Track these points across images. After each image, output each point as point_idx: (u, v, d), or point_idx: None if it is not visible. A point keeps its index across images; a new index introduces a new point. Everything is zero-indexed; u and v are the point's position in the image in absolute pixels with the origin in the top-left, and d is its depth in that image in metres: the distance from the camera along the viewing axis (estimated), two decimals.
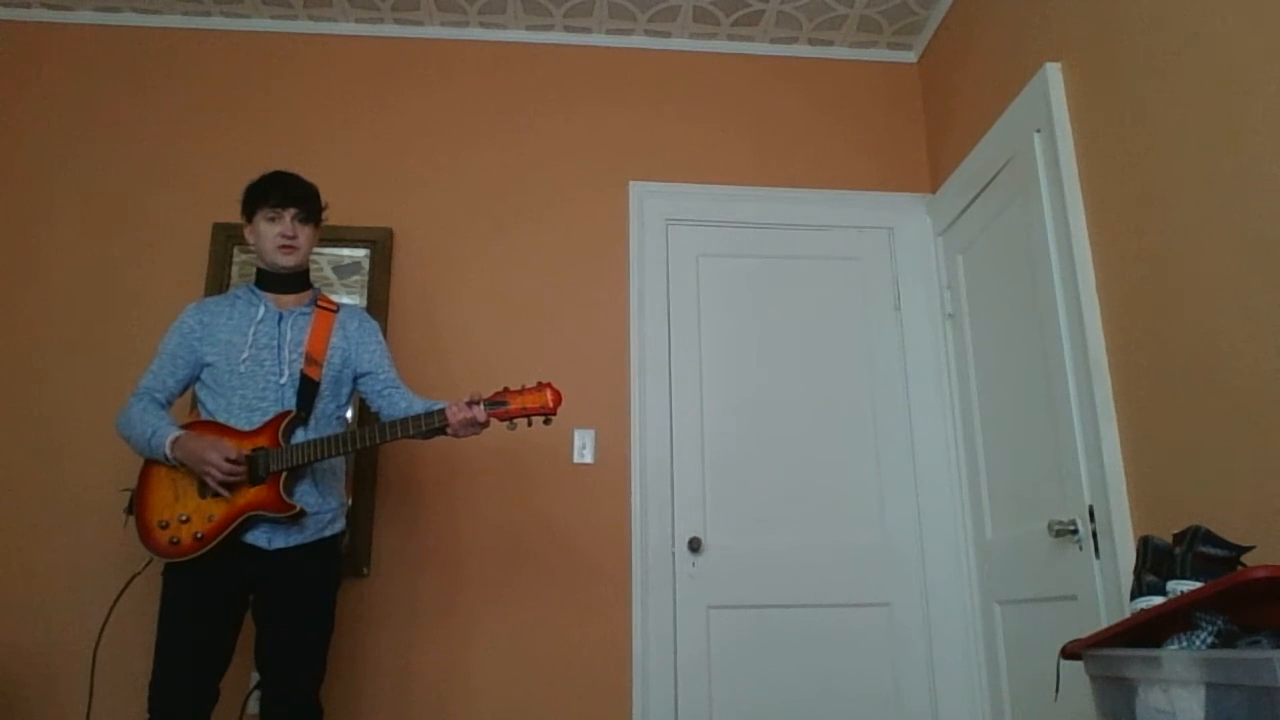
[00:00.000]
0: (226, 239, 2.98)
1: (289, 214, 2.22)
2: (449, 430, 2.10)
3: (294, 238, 2.22)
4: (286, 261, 2.23)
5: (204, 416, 2.16)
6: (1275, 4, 1.73)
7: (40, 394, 2.86)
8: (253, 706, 2.46)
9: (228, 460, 2.01)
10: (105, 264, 2.99)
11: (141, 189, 3.08)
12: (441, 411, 2.09)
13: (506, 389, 2.13)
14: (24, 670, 2.64)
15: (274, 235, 2.21)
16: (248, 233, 2.26)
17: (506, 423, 2.11)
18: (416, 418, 2.09)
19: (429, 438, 2.16)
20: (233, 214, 2.85)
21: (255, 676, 2.15)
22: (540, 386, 2.12)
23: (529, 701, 2.75)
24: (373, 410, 2.33)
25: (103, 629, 2.37)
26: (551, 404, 2.11)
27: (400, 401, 2.28)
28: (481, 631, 2.79)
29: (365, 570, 2.77)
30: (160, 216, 3.05)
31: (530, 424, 2.16)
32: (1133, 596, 1.66)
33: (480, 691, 2.74)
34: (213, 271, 2.96)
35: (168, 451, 2.06)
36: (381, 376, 2.30)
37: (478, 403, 2.09)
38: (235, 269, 2.98)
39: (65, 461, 2.80)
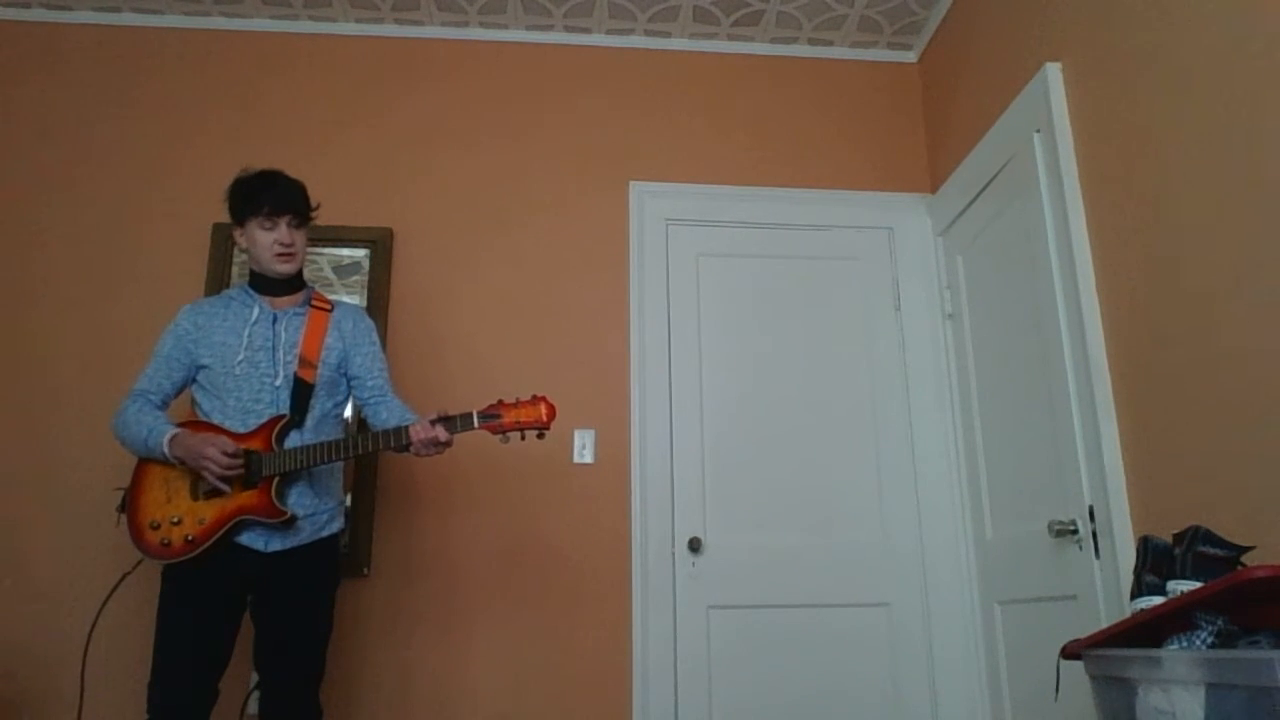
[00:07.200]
0: (226, 239, 2.97)
1: (284, 221, 2.19)
2: (411, 449, 2.09)
3: (291, 245, 2.20)
4: (286, 269, 2.22)
5: (200, 418, 2.16)
6: (1276, 4, 1.73)
7: (38, 392, 2.86)
8: (252, 707, 2.46)
9: (225, 454, 2.01)
10: (105, 264, 2.99)
11: (141, 189, 3.08)
12: (406, 429, 2.08)
13: (501, 401, 2.13)
14: (19, 668, 2.64)
15: (271, 244, 2.19)
16: (238, 235, 2.24)
17: (499, 435, 2.12)
18: (385, 433, 2.09)
19: (400, 453, 2.15)
20: None
21: (255, 677, 2.15)
22: (535, 400, 2.13)
23: (529, 700, 2.75)
24: (362, 417, 2.32)
25: (92, 628, 2.36)
26: (545, 418, 2.12)
27: (382, 412, 2.26)
28: (482, 630, 2.79)
29: (365, 570, 2.77)
30: (160, 216, 3.05)
31: (524, 437, 2.16)
32: (1133, 596, 1.66)
33: (480, 690, 2.74)
34: (213, 271, 2.96)
35: (166, 449, 2.06)
36: (369, 384, 2.28)
37: (440, 420, 2.08)
38: (235, 269, 2.98)
39: (64, 460, 2.81)
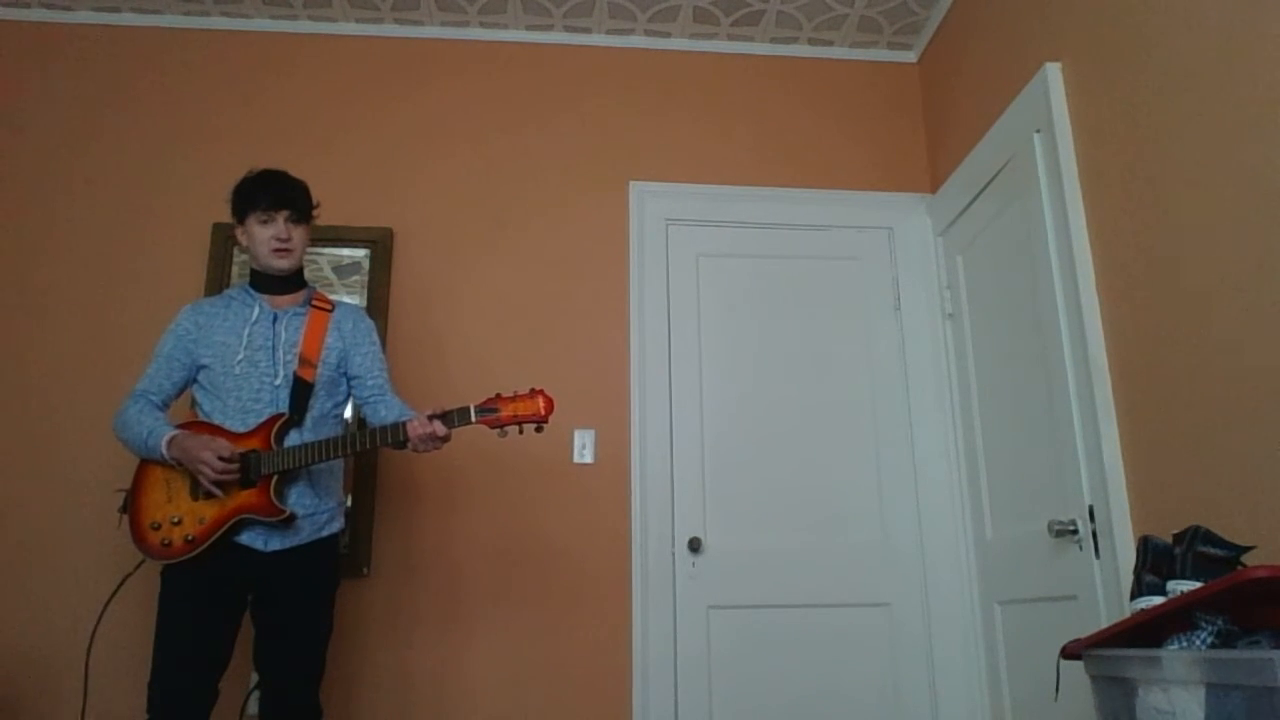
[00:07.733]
0: (226, 239, 2.97)
1: (282, 216, 2.20)
2: (408, 445, 2.09)
3: (288, 240, 2.20)
4: (282, 264, 2.22)
5: (200, 418, 2.16)
6: (1275, 3, 1.73)
7: (39, 393, 2.86)
8: (252, 707, 2.46)
9: (220, 459, 2.01)
10: (105, 264, 2.99)
11: (141, 189, 3.08)
12: (403, 425, 2.08)
13: (499, 395, 2.12)
14: (20, 670, 2.64)
15: (268, 239, 2.19)
16: (239, 234, 2.24)
17: (498, 430, 2.10)
18: (383, 429, 2.09)
19: (399, 449, 2.15)
20: None
21: (255, 677, 2.15)
22: (533, 393, 2.11)
23: (529, 701, 2.75)
24: (361, 416, 2.31)
25: (95, 630, 2.36)
26: (543, 411, 2.10)
27: (381, 410, 2.26)
28: (481, 631, 2.79)
29: (365, 570, 2.77)
30: (160, 216, 3.06)
31: (521, 431, 2.15)
32: (1133, 596, 1.66)
33: (480, 691, 2.74)
34: (213, 271, 2.96)
35: (164, 450, 2.06)
36: (369, 383, 2.28)
37: (438, 416, 2.07)
38: (235, 269, 2.98)
39: (64, 461, 2.80)
